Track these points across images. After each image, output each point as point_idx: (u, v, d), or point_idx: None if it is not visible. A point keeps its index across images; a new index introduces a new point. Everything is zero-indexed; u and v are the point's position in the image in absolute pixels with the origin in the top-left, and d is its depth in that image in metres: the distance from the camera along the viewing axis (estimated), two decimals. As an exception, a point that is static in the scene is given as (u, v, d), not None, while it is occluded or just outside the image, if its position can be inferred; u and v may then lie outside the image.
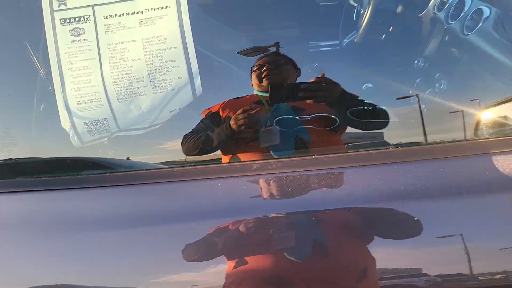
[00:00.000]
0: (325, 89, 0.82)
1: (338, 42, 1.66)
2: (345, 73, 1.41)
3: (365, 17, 1.49)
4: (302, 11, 1.76)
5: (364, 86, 1.18)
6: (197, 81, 0.65)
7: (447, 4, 1.29)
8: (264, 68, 0.86)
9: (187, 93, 0.66)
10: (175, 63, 0.62)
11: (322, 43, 1.72)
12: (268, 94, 0.77)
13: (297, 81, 0.92)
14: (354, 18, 1.64)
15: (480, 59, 1.07)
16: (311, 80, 0.84)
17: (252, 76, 0.89)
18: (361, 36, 1.52)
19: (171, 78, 0.64)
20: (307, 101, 0.84)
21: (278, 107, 0.82)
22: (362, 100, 0.91)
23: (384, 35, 1.51)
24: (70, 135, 0.66)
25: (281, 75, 0.91)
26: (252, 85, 0.90)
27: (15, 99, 0.74)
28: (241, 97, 0.86)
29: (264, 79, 0.84)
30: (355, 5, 1.65)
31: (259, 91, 0.86)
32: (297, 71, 0.99)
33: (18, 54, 0.70)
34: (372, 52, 1.48)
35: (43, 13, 0.61)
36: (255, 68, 0.89)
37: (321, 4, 1.83)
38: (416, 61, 1.31)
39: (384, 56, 1.47)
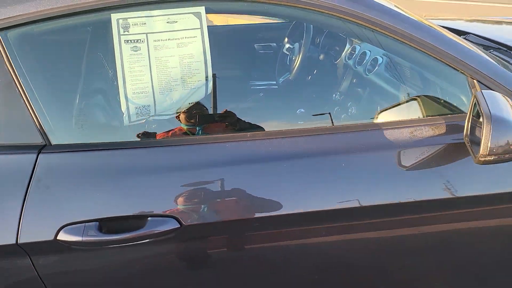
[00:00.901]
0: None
1: (275, 82, 2.12)
2: (282, 103, 1.84)
3: (296, 63, 1.96)
4: (246, 58, 2.22)
5: (298, 111, 1.61)
6: (209, 85, 1.02)
7: (354, 55, 1.80)
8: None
9: (202, 92, 1.03)
10: (198, 71, 1.00)
11: (261, 82, 2.16)
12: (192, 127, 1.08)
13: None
14: (288, 63, 2.13)
15: (377, 90, 1.54)
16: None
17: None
18: (293, 76, 1.98)
19: (194, 80, 1.00)
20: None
21: None
22: None
23: (310, 76, 2.00)
24: (124, 115, 0.98)
25: None
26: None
27: (92, 90, 1.06)
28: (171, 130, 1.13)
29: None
30: (288, 53, 2.15)
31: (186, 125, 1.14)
32: None
33: (96, 62, 1.04)
34: (302, 87, 1.95)
35: (113, 36, 0.96)
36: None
37: (260, 51, 2.31)
38: (334, 95, 1.77)
39: (310, 91, 1.95)
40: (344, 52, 1.86)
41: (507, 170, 1.02)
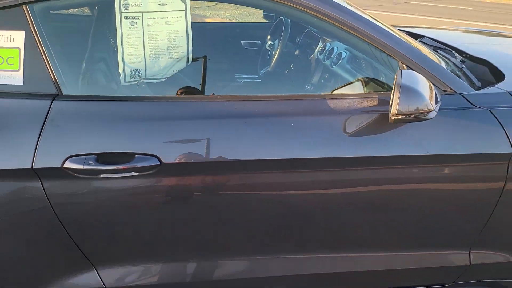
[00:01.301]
0: None
1: (257, 76, 2.39)
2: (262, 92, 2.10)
3: (275, 57, 2.23)
4: (232, 52, 2.49)
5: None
6: (190, 56, 1.29)
7: (325, 51, 2.06)
8: None
9: (184, 62, 1.29)
10: (181, 44, 1.27)
11: (244, 76, 2.42)
12: None
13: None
14: (268, 58, 2.40)
15: (339, 80, 1.79)
16: None
17: None
18: (272, 68, 2.25)
19: (178, 51, 1.27)
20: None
21: None
22: None
23: (287, 70, 2.27)
24: (121, 76, 1.25)
25: None
26: None
27: (97, 54, 1.33)
28: None
29: None
30: (269, 49, 2.43)
31: None
32: None
33: (101, 32, 1.31)
34: (280, 79, 2.21)
35: (116, 12, 1.22)
36: None
37: (245, 48, 2.60)
38: (306, 86, 2.03)
39: (287, 82, 2.22)
40: (317, 48, 2.13)
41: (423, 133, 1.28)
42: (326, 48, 2.06)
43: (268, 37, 2.44)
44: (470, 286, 1.59)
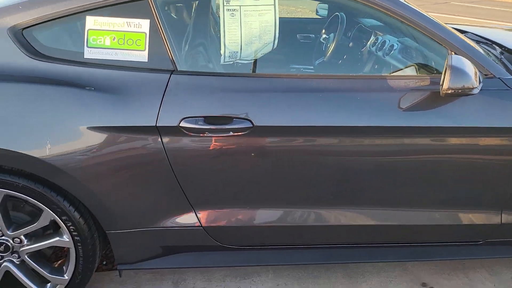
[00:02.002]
0: None
1: (312, 67, 2.69)
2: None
3: (330, 49, 2.51)
4: (289, 45, 2.80)
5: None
6: (276, 42, 1.61)
7: (377, 43, 2.33)
8: None
9: (271, 47, 1.61)
10: (270, 32, 1.58)
11: (300, 66, 2.72)
12: None
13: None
14: (323, 49, 2.69)
15: (392, 68, 2.07)
16: None
17: None
18: (327, 59, 2.54)
19: (267, 38, 1.59)
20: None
21: None
22: None
23: (340, 61, 2.55)
24: (221, 56, 1.58)
25: None
26: None
27: (204, 39, 1.67)
28: None
29: None
30: (323, 42, 2.72)
31: None
32: None
33: (206, 22, 1.65)
34: (334, 68, 2.50)
35: (220, 6, 1.56)
36: None
37: (301, 41, 2.90)
38: (359, 67, 2.30)
39: (341, 71, 2.50)
40: (369, 41, 2.41)
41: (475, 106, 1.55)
42: (378, 41, 2.33)
43: (323, 31, 2.73)
44: (501, 244, 1.85)
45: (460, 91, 1.44)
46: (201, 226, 1.68)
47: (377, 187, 1.68)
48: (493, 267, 2.07)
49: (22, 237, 1.62)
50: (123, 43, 1.56)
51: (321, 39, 2.74)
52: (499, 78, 1.62)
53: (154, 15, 1.55)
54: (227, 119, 1.52)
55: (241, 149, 1.56)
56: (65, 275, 1.69)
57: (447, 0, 16.15)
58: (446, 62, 1.47)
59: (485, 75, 1.61)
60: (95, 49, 1.56)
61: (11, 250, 1.63)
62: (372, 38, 2.42)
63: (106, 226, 1.64)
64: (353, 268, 2.05)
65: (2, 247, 1.62)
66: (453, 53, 1.59)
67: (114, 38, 1.56)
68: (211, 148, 1.55)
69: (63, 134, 1.48)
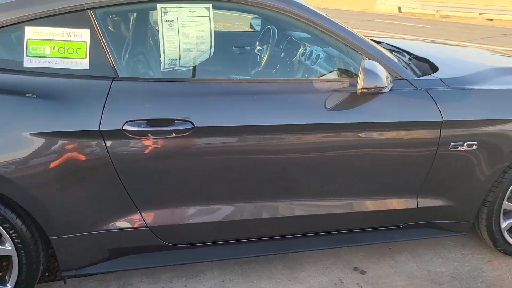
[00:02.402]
0: None
1: (249, 77, 2.85)
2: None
3: (264, 60, 2.69)
4: (227, 57, 2.95)
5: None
6: (212, 50, 1.75)
7: (305, 53, 2.55)
8: None
9: (208, 55, 1.75)
10: (206, 40, 1.72)
11: (238, 76, 2.88)
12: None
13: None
14: (258, 60, 2.88)
15: (319, 74, 2.28)
16: None
17: None
18: (262, 69, 2.72)
19: (204, 46, 1.72)
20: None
21: None
22: None
23: (274, 70, 2.74)
24: (161, 64, 1.69)
25: None
26: None
27: (144, 48, 1.76)
28: None
29: None
30: (258, 53, 2.91)
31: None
32: None
33: (147, 30, 1.75)
34: (269, 77, 2.68)
35: (159, 16, 1.67)
36: None
37: (237, 53, 3.07)
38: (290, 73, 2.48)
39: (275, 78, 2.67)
40: (299, 52, 2.62)
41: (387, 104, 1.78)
42: (307, 51, 2.55)
43: (257, 43, 2.92)
44: (419, 227, 2.09)
45: (372, 89, 1.67)
46: (147, 226, 1.75)
47: (308, 180, 1.85)
48: (415, 250, 2.32)
49: (-38, 248, 1.60)
50: (64, 52, 1.62)
51: (256, 51, 2.93)
52: (407, 79, 1.87)
53: (94, 25, 1.63)
54: (169, 122, 1.62)
55: (183, 150, 1.66)
56: (7, 285, 1.67)
57: (372, 18, 17.37)
58: (360, 65, 1.68)
59: (395, 77, 1.86)
60: (35, 57, 1.60)
61: None
62: (301, 49, 2.63)
63: (50, 232, 1.66)
64: (292, 260, 2.20)
65: None
66: (367, 58, 1.82)
67: (54, 47, 1.61)
68: (154, 149, 1.64)
69: (4, 140, 1.50)
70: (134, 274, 2.07)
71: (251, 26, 3.25)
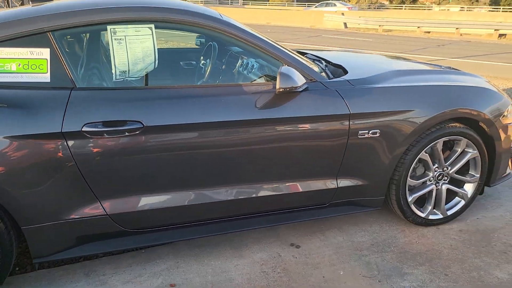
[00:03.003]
0: None
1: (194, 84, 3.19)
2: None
3: (207, 72, 3.06)
4: (175, 70, 3.30)
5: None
6: (156, 63, 2.10)
7: (243, 64, 2.94)
8: None
9: (152, 66, 2.10)
10: (151, 55, 2.07)
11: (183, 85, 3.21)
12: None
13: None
14: (203, 72, 3.24)
15: (249, 78, 2.67)
16: None
17: None
18: (206, 79, 3.08)
19: (149, 59, 2.07)
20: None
21: None
22: None
23: (217, 81, 3.11)
24: (112, 75, 2.02)
25: None
26: None
27: (97, 62, 2.08)
28: None
29: None
30: (203, 66, 3.28)
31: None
32: None
33: (99, 47, 2.07)
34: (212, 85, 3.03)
35: (109, 35, 2.01)
36: None
37: (184, 67, 3.43)
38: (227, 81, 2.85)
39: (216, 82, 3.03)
40: (238, 64, 3.01)
41: (303, 101, 2.18)
42: (244, 63, 2.95)
43: (201, 58, 3.30)
44: (341, 205, 2.50)
45: (288, 89, 2.08)
46: (107, 214, 2.05)
47: (243, 168, 2.22)
48: (342, 226, 2.73)
49: None
50: (28, 68, 1.92)
51: (201, 64, 3.30)
52: (319, 81, 2.30)
53: (54, 44, 1.94)
54: (122, 122, 1.95)
55: (135, 146, 1.98)
56: (-17, 273, 1.91)
57: (319, 34, 18.28)
58: (278, 70, 2.09)
59: (310, 79, 2.28)
60: (3, 73, 1.89)
61: None
62: (240, 61, 3.03)
63: (21, 222, 1.92)
64: (237, 242, 2.55)
65: None
66: (285, 65, 2.23)
67: (20, 64, 1.91)
68: (110, 146, 1.95)
69: (-21, 144, 1.77)
70: (98, 261, 2.34)
71: (196, 43, 3.63)
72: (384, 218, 2.84)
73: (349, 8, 32.45)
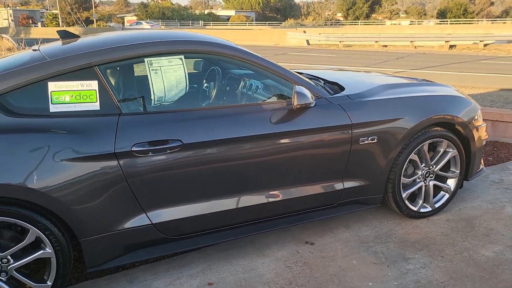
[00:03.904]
0: None
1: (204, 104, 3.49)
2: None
3: (213, 94, 3.38)
4: (199, 92, 3.56)
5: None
6: (187, 88, 2.41)
7: (246, 86, 3.29)
8: None
9: (184, 91, 2.41)
10: (182, 81, 2.38)
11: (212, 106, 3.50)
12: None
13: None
14: (207, 94, 3.56)
15: (260, 101, 3.01)
16: None
17: None
18: (212, 101, 3.39)
19: (181, 85, 2.38)
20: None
21: None
22: None
23: (222, 102, 3.44)
24: (152, 101, 2.32)
25: None
26: None
27: (139, 90, 2.37)
28: None
29: None
30: (206, 89, 3.59)
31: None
32: None
33: (140, 77, 2.37)
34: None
35: (147, 67, 2.31)
36: None
37: (204, 89, 3.71)
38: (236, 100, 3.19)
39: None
40: (240, 85, 3.36)
41: (313, 115, 2.54)
42: (247, 84, 3.30)
43: (204, 81, 3.62)
44: (348, 204, 2.86)
45: (304, 105, 2.44)
46: (151, 223, 2.31)
47: (265, 176, 2.54)
48: (348, 224, 3.09)
49: (9, 256, 2.04)
50: (80, 98, 2.18)
51: (204, 87, 3.61)
52: (324, 97, 2.68)
53: (100, 77, 2.22)
54: (165, 141, 2.23)
55: (176, 161, 2.27)
56: (48, 282, 2.12)
57: (285, 51, 18.97)
58: (293, 89, 2.45)
59: (317, 96, 2.65)
60: (58, 104, 2.14)
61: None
62: (242, 83, 3.37)
63: (80, 235, 2.15)
64: (258, 243, 2.85)
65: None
66: (296, 85, 2.60)
67: (72, 95, 2.17)
68: (155, 162, 2.23)
69: (46, 167, 2.01)
70: (138, 269, 2.58)
71: (194, 67, 3.94)
72: (381, 214, 3.22)
73: (151, 25, 42.37)
